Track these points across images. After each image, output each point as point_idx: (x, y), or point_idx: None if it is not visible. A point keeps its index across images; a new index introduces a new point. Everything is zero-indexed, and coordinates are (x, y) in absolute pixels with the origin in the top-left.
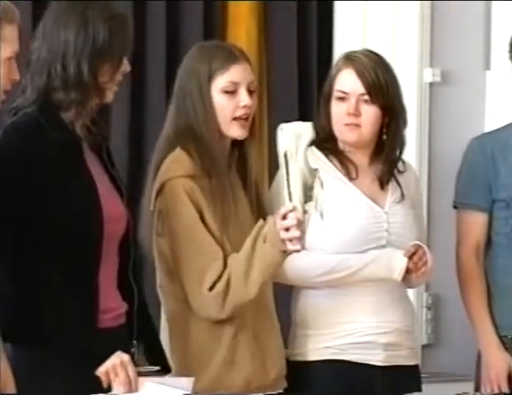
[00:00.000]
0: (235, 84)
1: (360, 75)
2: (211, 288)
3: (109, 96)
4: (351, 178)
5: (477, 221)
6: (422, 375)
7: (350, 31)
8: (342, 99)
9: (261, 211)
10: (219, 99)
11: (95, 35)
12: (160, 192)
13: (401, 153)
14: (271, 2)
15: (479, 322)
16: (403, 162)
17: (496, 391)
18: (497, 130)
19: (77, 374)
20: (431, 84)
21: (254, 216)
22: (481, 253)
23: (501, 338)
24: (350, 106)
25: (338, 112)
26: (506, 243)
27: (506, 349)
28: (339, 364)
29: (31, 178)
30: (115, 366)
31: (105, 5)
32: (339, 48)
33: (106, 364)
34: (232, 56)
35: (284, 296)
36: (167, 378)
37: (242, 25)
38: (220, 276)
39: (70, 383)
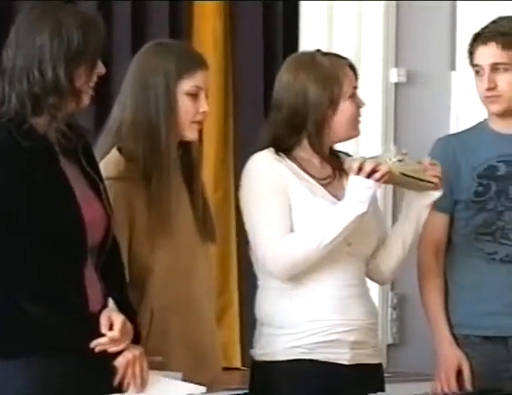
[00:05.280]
0: (199, 89)
1: (355, 70)
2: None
3: (86, 100)
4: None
5: (435, 221)
6: (388, 375)
7: (315, 31)
8: (353, 96)
9: (206, 214)
10: (183, 100)
11: (69, 39)
12: None
13: None
14: (236, 1)
15: (434, 319)
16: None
17: (446, 388)
18: (461, 132)
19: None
20: (397, 84)
21: (197, 220)
22: (441, 252)
23: (456, 336)
24: (361, 101)
25: (353, 110)
26: (465, 244)
27: (459, 346)
28: (307, 363)
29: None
30: (135, 358)
31: (78, 9)
32: (305, 48)
33: (126, 355)
34: (199, 60)
35: (251, 294)
36: (161, 372)
37: (208, 24)
38: None
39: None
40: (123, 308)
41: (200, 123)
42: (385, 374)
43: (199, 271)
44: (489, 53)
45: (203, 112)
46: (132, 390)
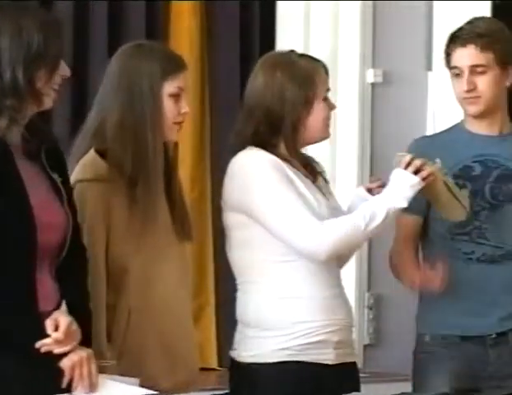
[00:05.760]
0: (182, 90)
1: (327, 73)
2: None
3: (47, 102)
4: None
5: (403, 222)
6: (364, 375)
7: (292, 31)
8: (325, 98)
9: (183, 213)
10: (167, 102)
11: (29, 42)
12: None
13: None
14: (213, 1)
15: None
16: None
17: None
18: (437, 133)
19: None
20: (373, 84)
21: (174, 220)
22: (412, 251)
23: (423, 337)
24: (333, 104)
25: (326, 112)
26: (442, 244)
27: (436, 345)
28: (294, 365)
29: None
30: (82, 360)
31: (39, 11)
32: (281, 48)
33: (72, 357)
34: (181, 62)
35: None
36: (115, 376)
37: (184, 24)
38: None
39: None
40: (76, 310)
41: (181, 123)
42: (362, 375)
43: (175, 271)
44: (468, 55)
45: (184, 113)
46: (80, 391)
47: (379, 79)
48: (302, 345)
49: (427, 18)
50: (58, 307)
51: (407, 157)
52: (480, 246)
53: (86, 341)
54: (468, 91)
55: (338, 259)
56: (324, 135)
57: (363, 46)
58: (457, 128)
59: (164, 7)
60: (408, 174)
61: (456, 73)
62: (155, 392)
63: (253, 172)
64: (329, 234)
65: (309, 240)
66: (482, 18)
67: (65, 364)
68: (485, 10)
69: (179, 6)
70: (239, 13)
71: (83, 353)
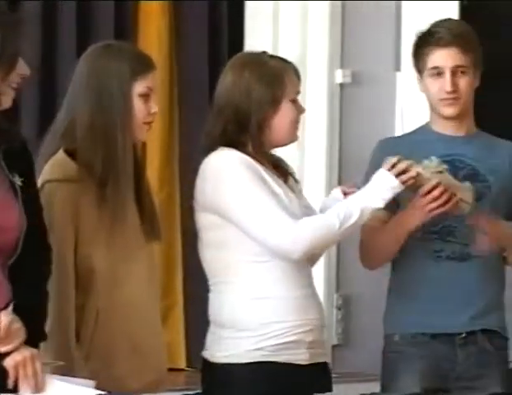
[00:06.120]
0: (151, 90)
1: (298, 76)
2: None
3: (5, 101)
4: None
5: (378, 218)
6: (333, 375)
7: (260, 31)
8: (294, 101)
9: (152, 213)
10: (137, 102)
11: None
12: (40, 191)
13: None
14: (181, 1)
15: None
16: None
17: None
18: (404, 134)
19: None
20: (342, 85)
21: (143, 220)
22: None
23: (392, 336)
24: (302, 108)
25: (294, 114)
26: (412, 242)
27: (405, 345)
28: (268, 365)
29: None
30: (26, 360)
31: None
32: (250, 49)
33: (15, 357)
34: (150, 62)
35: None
36: (68, 378)
37: (153, 24)
38: None
39: None
40: (28, 310)
41: (150, 123)
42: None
43: (144, 271)
44: (452, 56)
45: (154, 113)
46: (26, 391)
47: (348, 79)
48: (275, 345)
49: (396, 19)
50: (8, 306)
51: (394, 159)
52: (449, 244)
53: (33, 342)
54: (451, 92)
55: (310, 257)
56: (292, 137)
57: (332, 46)
58: (424, 129)
59: (132, 7)
60: (390, 175)
61: (434, 73)
62: (103, 392)
63: (226, 172)
64: (303, 233)
65: (282, 239)
66: (450, 20)
67: (8, 363)
68: (453, 11)
69: (147, 7)
70: (207, 13)
71: (27, 352)
